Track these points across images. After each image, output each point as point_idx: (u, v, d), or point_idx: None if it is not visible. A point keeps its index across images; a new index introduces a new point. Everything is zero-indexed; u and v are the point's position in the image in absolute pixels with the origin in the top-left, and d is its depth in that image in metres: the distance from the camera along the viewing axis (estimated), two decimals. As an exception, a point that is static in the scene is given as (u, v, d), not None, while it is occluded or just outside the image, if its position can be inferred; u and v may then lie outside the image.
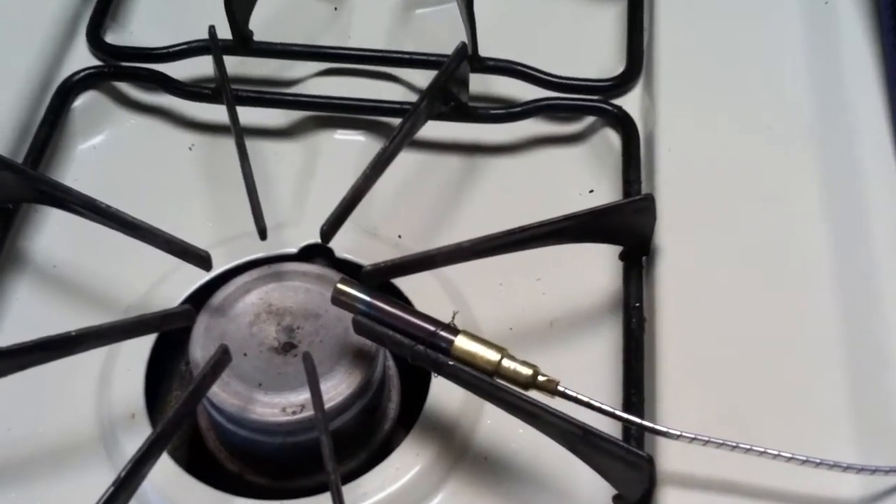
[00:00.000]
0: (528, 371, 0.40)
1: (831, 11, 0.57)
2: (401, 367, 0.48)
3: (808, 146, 0.51)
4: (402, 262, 0.44)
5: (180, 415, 0.40)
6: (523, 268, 0.48)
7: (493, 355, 0.40)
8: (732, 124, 0.52)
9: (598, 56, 0.58)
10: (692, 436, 0.39)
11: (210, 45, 0.53)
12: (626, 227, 0.47)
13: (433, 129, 0.53)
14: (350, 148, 0.54)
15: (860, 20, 0.56)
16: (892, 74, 0.52)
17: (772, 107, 0.53)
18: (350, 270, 0.46)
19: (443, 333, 0.40)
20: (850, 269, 0.46)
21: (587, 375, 0.44)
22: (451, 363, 0.40)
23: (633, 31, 0.57)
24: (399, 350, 0.41)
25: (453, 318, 0.41)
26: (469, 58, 0.54)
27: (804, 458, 0.39)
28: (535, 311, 0.48)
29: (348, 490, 0.41)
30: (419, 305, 0.46)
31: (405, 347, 0.40)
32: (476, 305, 0.48)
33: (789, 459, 0.39)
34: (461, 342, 0.40)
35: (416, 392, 0.46)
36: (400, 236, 0.51)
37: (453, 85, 0.52)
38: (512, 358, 0.40)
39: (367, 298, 0.41)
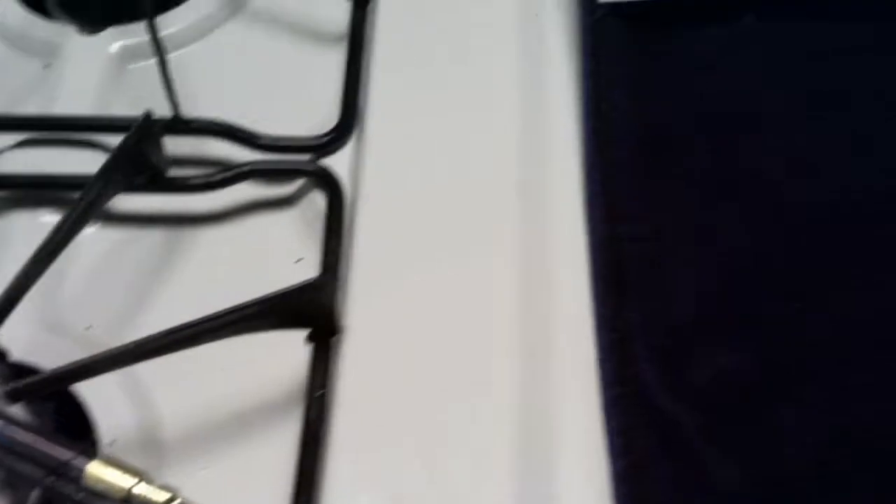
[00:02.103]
0: (162, 497, 0.37)
1: (546, 56, 0.54)
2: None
3: (512, 201, 0.48)
4: (43, 380, 0.40)
5: None
6: (211, 357, 0.45)
7: (127, 481, 0.37)
8: (439, 177, 0.49)
9: (319, 110, 0.54)
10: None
11: None
12: (310, 309, 0.44)
13: (134, 201, 0.49)
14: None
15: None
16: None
17: (481, 160, 0.50)
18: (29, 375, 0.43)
19: (75, 463, 0.37)
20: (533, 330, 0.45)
21: (264, 477, 0.41)
22: (80, 495, 0.37)
23: (349, 81, 0.54)
24: (31, 485, 0.38)
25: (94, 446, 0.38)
26: (172, 120, 0.51)
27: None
28: (218, 407, 0.45)
29: None
30: (98, 410, 0.43)
31: (35, 481, 0.37)
32: (161, 403, 0.45)
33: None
34: (94, 469, 0.37)
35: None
36: (89, 327, 0.47)
37: (150, 152, 0.49)
38: (150, 482, 0.37)
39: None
